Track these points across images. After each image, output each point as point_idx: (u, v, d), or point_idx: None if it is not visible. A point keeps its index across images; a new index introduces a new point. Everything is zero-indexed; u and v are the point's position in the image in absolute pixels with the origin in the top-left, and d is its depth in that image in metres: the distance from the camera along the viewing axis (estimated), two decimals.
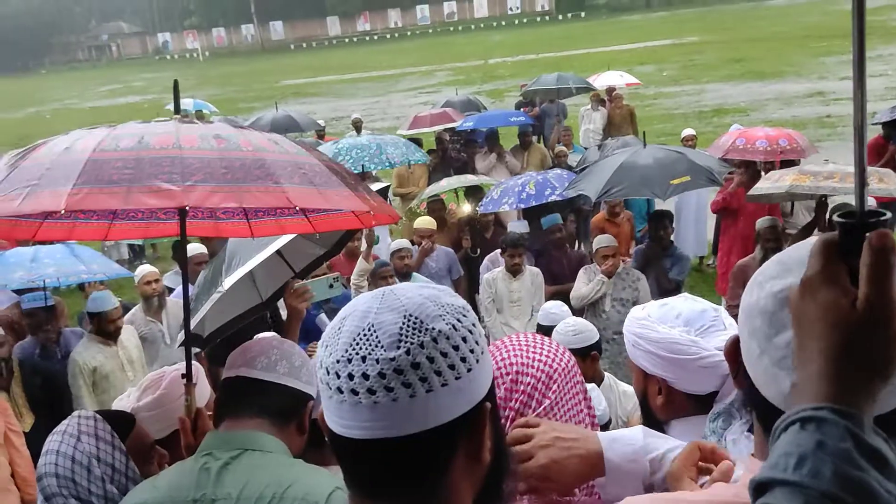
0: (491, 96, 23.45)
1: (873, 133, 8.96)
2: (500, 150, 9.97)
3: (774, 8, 46.46)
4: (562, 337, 3.73)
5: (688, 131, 9.95)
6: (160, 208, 2.04)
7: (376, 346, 0.86)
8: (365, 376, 0.85)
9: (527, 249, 6.25)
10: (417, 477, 0.89)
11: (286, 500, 1.54)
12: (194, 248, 5.74)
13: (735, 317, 1.65)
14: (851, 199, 0.77)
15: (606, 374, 4.09)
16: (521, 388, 1.32)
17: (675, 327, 1.61)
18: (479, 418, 0.91)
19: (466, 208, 7.58)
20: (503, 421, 1.28)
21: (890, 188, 5.07)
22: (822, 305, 0.71)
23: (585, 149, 11.27)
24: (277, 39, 69.14)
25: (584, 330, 3.86)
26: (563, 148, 10.14)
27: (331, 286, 2.80)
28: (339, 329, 0.90)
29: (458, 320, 0.90)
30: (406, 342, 0.86)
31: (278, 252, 2.52)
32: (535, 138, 11.58)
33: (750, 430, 1.39)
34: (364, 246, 5.81)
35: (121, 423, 2.00)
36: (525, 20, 63.36)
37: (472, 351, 0.90)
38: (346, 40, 66.30)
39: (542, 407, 1.31)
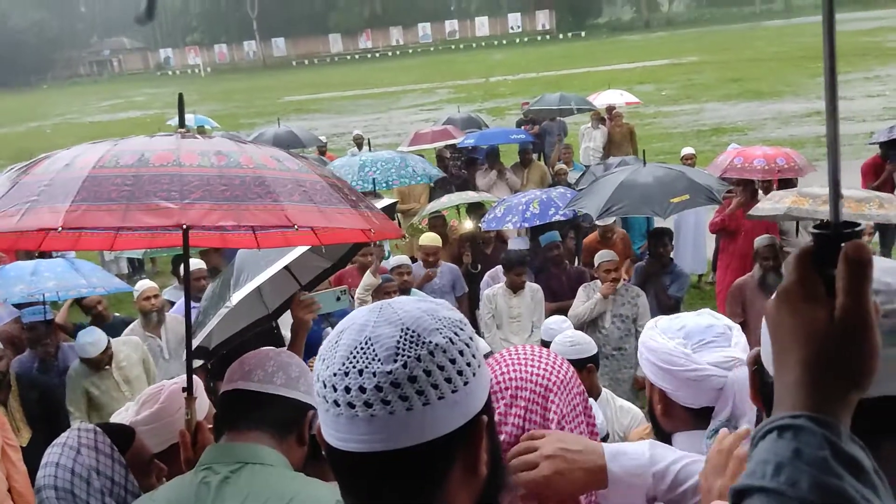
0: (492, 114, 23.56)
1: (871, 152, 9.03)
2: (500, 167, 10.00)
3: (772, 29, 46.82)
4: (559, 348, 3.75)
5: (687, 150, 9.99)
6: (157, 226, 2.05)
7: (373, 360, 0.86)
8: (362, 389, 0.86)
9: (527, 266, 6.27)
10: (414, 490, 0.89)
11: None
12: (194, 264, 5.76)
13: None
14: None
15: (604, 388, 4.09)
16: (521, 403, 1.32)
17: (674, 339, 1.64)
18: (475, 431, 0.91)
19: (468, 224, 7.60)
20: (503, 437, 1.29)
21: (889, 214, 5.10)
22: (799, 316, 0.71)
23: (586, 166, 11.33)
24: (279, 56, 69.51)
25: (582, 342, 3.88)
26: (563, 166, 10.19)
27: (338, 299, 2.81)
28: (337, 342, 0.90)
29: (455, 333, 0.91)
30: (403, 355, 0.87)
31: (285, 266, 2.53)
32: (535, 156, 11.63)
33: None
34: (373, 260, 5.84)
35: (120, 436, 2.00)
36: (526, 39, 63.79)
37: (468, 364, 0.90)
38: (348, 57, 66.66)
39: (544, 421, 1.32)
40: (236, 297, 2.40)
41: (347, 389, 0.86)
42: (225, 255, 6.36)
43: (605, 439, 3.30)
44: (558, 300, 6.20)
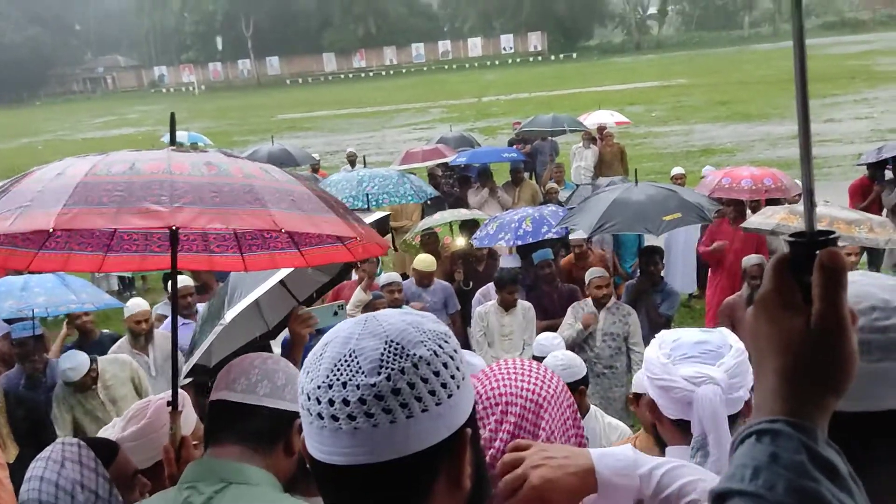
0: (484, 133, 23.69)
1: (859, 173, 9.13)
2: (492, 185, 10.06)
3: (759, 52, 47.33)
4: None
5: (677, 170, 10.08)
6: (148, 228, 2.04)
7: (357, 372, 0.86)
8: (345, 402, 0.85)
9: (519, 284, 6.28)
10: (398, 503, 0.89)
11: None
12: (181, 281, 5.74)
13: None
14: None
15: (592, 406, 4.10)
16: (511, 419, 1.31)
17: (662, 349, 1.68)
18: (459, 444, 0.91)
19: (460, 241, 7.61)
20: (493, 452, 1.28)
21: (879, 238, 5.15)
22: (777, 323, 0.72)
23: (577, 185, 11.40)
24: (273, 74, 69.76)
25: (573, 364, 3.88)
26: (555, 185, 10.25)
27: (335, 313, 2.81)
28: (321, 355, 0.90)
29: (440, 346, 0.91)
30: (387, 368, 0.86)
31: (281, 282, 2.54)
32: (526, 175, 11.70)
33: None
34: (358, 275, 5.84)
35: (104, 450, 1.98)
36: (518, 60, 64.30)
37: (452, 377, 0.90)
38: (342, 76, 66.98)
39: (535, 436, 1.32)
40: (230, 314, 2.41)
41: (331, 402, 0.86)
42: (215, 271, 6.35)
43: None
44: (550, 318, 6.21)
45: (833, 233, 0.74)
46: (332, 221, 1.91)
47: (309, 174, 12.49)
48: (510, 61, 64.11)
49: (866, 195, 8.32)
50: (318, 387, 0.88)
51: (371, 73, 66.82)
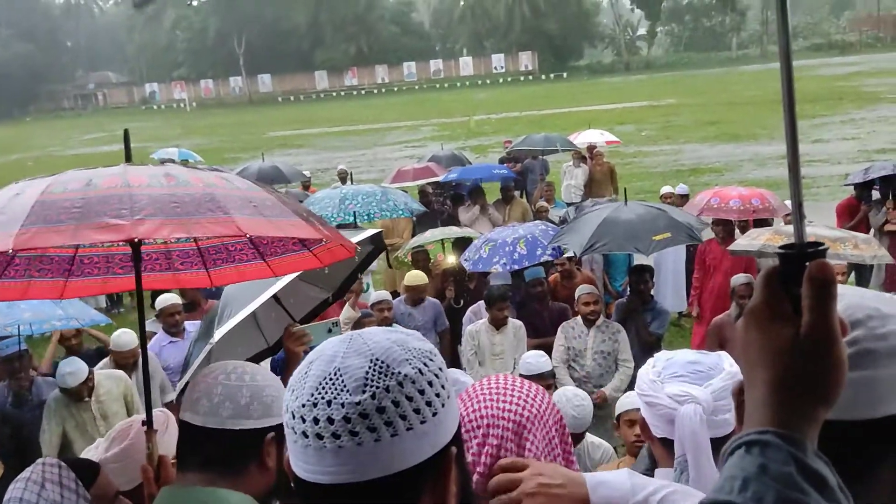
0: (475, 151, 23.79)
1: (846, 193, 9.22)
2: (483, 202, 10.09)
3: (748, 73, 47.86)
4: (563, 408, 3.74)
5: (666, 189, 10.13)
6: (110, 241, 2.02)
7: (342, 391, 0.86)
8: (330, 420, 0.85)
9: (509, 302, 6.27)
10: None
11: None
12: (169, 298, 5.71)
13: None
14: None
15: None
16: (493, 441, 1.31)
17: (655, 367, 1.70)
18: (444, 463, 0.91)
19: (451, 259, 7.60)
20: (476, 477, 1.27)
21: (864, 254, 5.20)
22: (767, 334, 0.73)
23: (568, 204, 11.45)
24: (265, 92, 69.94)
25: (585, 411, 3.90)
26: (545, 203, 10.29)
27: (329, 331, 2.81)
28: (306, 373, 0.90)
29: (425, 364, 0.91)
30: (372, 386, 0.86)
31: (276, 299, 2.53)
32: (517, 193, 11.74)
33: None
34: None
35: (85, 471, 1.96)
36: (509, 79, 64.76)
37: (437, 395, 0.90)
38: (334, 94, 67.24)
39: (518, 457, 1.30)
40: (218, 333, 2.40)
41: (316, 420, 0.86)
42: (202, 289, 6.31)
43: None
44: (540, 336, 6.20)
45: (822, 244, 0.75)
46: (297, 225, 1.91)
47: (300, 191, 12.49)
48: (501, 80, 64.55)
49: (854, 215, 8.39)
50: (303, 405, 0.87)
51: (363, 92, 67.10)
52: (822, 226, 5.72)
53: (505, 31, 69.61)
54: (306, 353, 2.73)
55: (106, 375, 4.94)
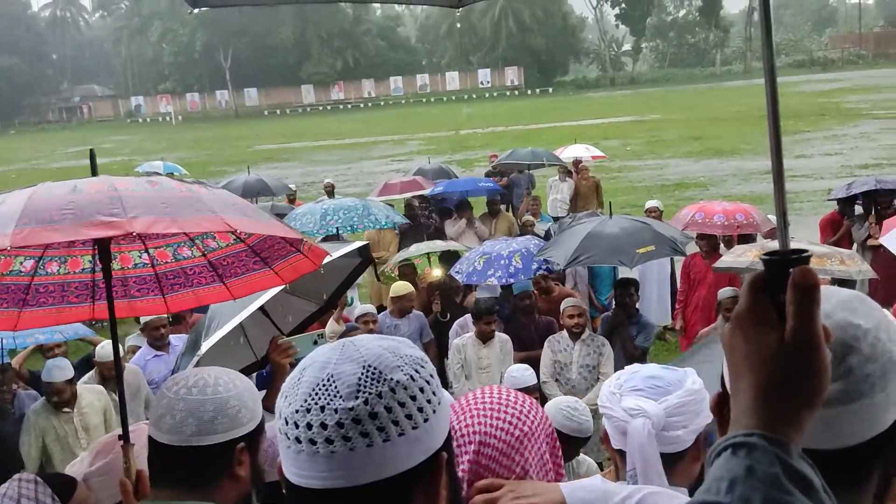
0: (462, 165, 23.86)
1: (829, 208, 9.32)
2: (469, 216, 10.12)
3: (732, 89, 48.39)
4: (558, 416, 3.65)
5: (651, 203, 10.21)
6: (107, 237, 1.98)
7: (335, 396, 0.87)
8: (323, 426, 0.86)
9: (496, 315, 6.27)
10: None
11: None
12: None
13: None
14: None
15: None
16: (484, 461, 1.30)
17: (618, 380, 1.73)
18: (435, 468, 0.92)
19: (437, 272, 7.61)
20: (467, 493, 1.27)
21: (850, 270, 5.27)
22: (752, 340, 0.74)
23: (554, 218, 11.50)
24: (251, 105, 69.90)
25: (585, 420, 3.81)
26: (531, 217, 10.34)
27: (315, 342, 2.81)
28: (299, 380, 0.91)
29: (416, 371, 0.92)
30: (364, 392, 0.87)
31: (264, 312, 2.53)
32: (503, 207, 11.78)
33: None
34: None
35: (62, 487, 1.94)
36: (495, 94, 65.16)
37: (429, 401, 0.91)
38: (321, 108, 67.32)
39: (510, 473, 1.30)
40: (205, 345, 2.41)
41: (309, 426, 0.87)
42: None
43: None
44: (527, 350, 6.21)
45: (806, 251, 0.76)
46: (279, 226, 1.96)
47: (286, 205, 12.47)
48: (487, 95, 64.93)
49: (836, 230, 8.48)
50: (296, 411, 0.88)
51: (349, 106, 67.24)
52: (806, 242, 5.79)
53: (491, 47, 70.10)
54: (293, 365, 2.73)
55: (88, 389, 4.93)
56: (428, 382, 0.93)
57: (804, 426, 0.72)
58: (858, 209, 8.53)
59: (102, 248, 2.11)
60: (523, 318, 6.52)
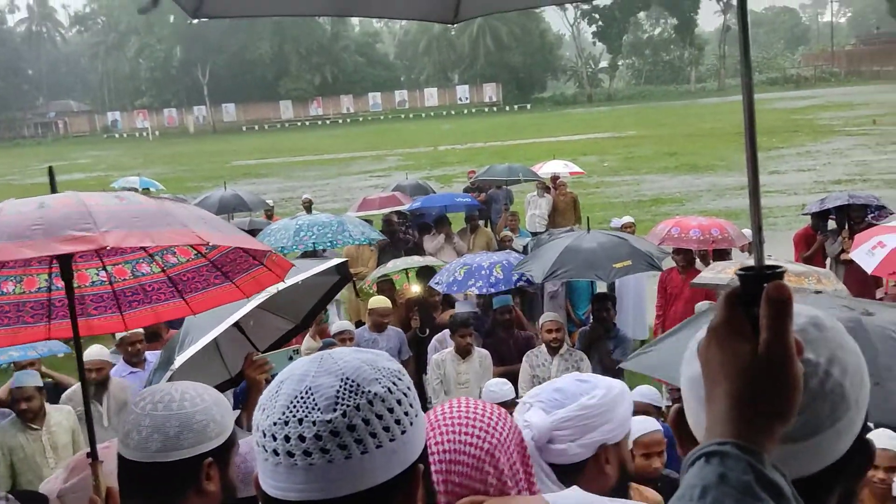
0: (440, 181, 23.92)
1: (803, 223, 9.47)
2: (448, 231, 10.14)
3: (707, 106, 49.07)
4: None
5: (626, 218, 10.30)
6: (80, 251, 1.98)
7: (313, 409, 0.88)
8: (301, 438, 0.87)
9: (474, 329, 6.27)
10: None
11: None
12: None
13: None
14: None
15: None
16: (457, 479, 1.30)
17: (531, 393, 1.77)
18: (412, 479, 0.93)
19: (415, 288, 7.61)
20: None
21: (827, 289, 5.37)
22: (727, 352, 0.76)
23: (532, 233, 11.56)
24: (229, 121, 69.60)
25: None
26: (509, 233, 10.37)
27: (290, 358, 2.79)
28: (277, 392, 0.91)
29: (394, 383, 0.93)
30: (342, 405, 0.88)
31: (239, 328, 2.51)
32: (482, 222, 11.82)
33: None
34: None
35: (34, 503, 1.92)
36: (474, 110, 65.49)
37: (406, 413, 0.92)
38: (299, 124, 67.19)
39: (484, 486, 1.30)
40: (179, 359, 2.39)
41: (287, 438, 0.87)
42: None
43: None
44: (506, 364, 6.21)
45: (780, 267, 0.79)
46: (248, 240, 1.97)
47: (263, 220, 12.42)
48: (466, 111, 65.23)
49: (810, 244, 8.61)
50: (274, 423, 0.89)
51: (328, 122, 67.20)
52: (783, 260, 5.89)
53: (469, 63, 70.56)
54: (268, 381, 2.71)
55: (56, 409, 4.89)
56: (405, 395, 0.94)
57: (777, 436, 0.74)
58: (831, 224, 8.67)
59: (64, 265, 2.08)
60: (502, 332, 6.53)
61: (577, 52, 75.27)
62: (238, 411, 2.51)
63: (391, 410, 0.91)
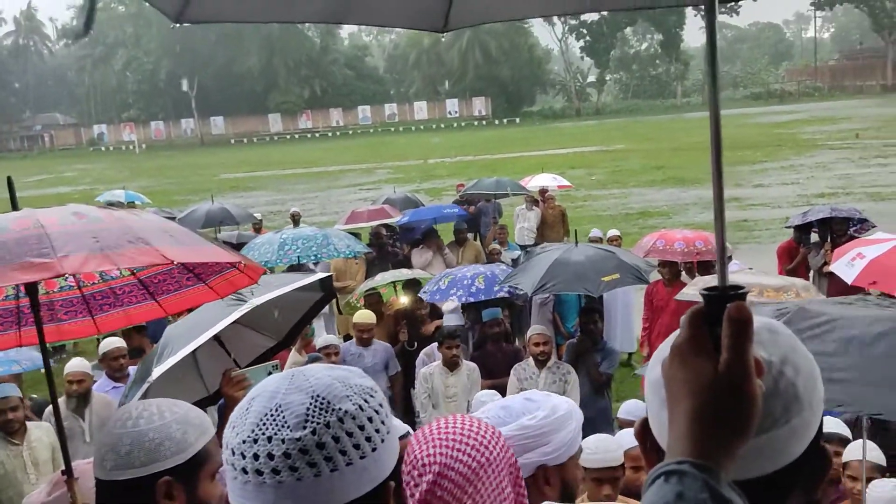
0: (430, 194, 23.94)
1: (786, 236, 9.55)
2: (438, 243, 10.15)
3: (693, 120, 49.46)
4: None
5: (612, 231, 10.36)
6: (37, 280, 1.98)
7: (283, 427, 0.87)
8: (270, 456, 0.86)
9: (461, 342, 6.27)
10: None
11: None
12: (112, 342, 5.63)
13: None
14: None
15: None
16: (439, 492, 1.30)
17: (483, 408, 1.82)
18: (383, 497, 0.92)
19: (403, 300, 7.60)
20: None
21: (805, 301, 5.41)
22: (689, 370, 0.77)
23: (521, 247, 11.59)
24: (218, 134, 69.45)
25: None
26: (498, 246, 10.40)
27: (269, 373, 2.77)
28: (247, 410, 0.91)
29: (365, 401, 0.93)
30: (312, 422, 0.88)
31: (220, 342, 2.49)
32: (470, 236, 11.84)
33: None
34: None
35: None
36: (463, 124, 65.69)
37: (377, 430, 0.92)
38: (288, 137, 67.16)
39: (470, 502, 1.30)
40: (157, 371, 2.36)
41: (256, 457, 0.86)
42: (148, 334, 6.20)
43: None
44: (494, 377, 6.21)
45: (742, 288, 0.80)
46: (216, 251, 1.94)
47: (251, 234, 12.38)
48: (455, 125, 65.43)
49: (793, 257, 8.68)
50: (244, 441, 0.88)
51: (317, 135, 67.19)
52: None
53: (459, 77, 70.84)
54: None
55: (36, 425, 4.88)
56: (377, 412, 0.93)
57: (735, 454, 0.75)
58: (814, 236, 8.75)
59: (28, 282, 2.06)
60: (490, 345, 6.54)
61: (566, 67, 75.74)
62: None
63: (362, 428, 0.90)
